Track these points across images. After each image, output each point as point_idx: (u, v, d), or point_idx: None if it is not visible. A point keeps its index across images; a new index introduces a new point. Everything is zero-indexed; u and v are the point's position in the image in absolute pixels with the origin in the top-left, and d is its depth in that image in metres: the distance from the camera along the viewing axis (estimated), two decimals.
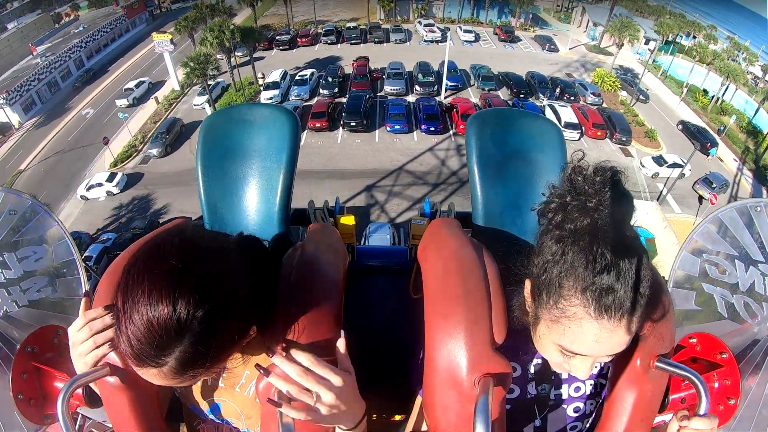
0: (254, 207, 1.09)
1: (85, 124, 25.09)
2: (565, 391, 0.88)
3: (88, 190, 19.11)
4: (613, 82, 27.65)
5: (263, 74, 27.35)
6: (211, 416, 0.89)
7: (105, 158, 21.46)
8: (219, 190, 1.09)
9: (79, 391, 0.89)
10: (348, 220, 1.65)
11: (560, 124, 22.26)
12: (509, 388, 0.84)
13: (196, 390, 0.89)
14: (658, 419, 0.96)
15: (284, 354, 0.69)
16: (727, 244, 1.12)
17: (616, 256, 0.61)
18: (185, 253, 0.59)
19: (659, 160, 20.66)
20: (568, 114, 23.14)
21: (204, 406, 0.89)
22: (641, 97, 26.55)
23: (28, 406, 0.93)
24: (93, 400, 0.90)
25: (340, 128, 22.68)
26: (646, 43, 31.88)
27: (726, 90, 26.99)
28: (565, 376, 0.87)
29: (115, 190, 19.12)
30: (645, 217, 15.36)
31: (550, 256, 0.66)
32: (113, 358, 0.75)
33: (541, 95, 25.94)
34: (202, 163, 1.09)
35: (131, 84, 28.09)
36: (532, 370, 0.86)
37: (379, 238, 13.38)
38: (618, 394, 0.82)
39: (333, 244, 0.94)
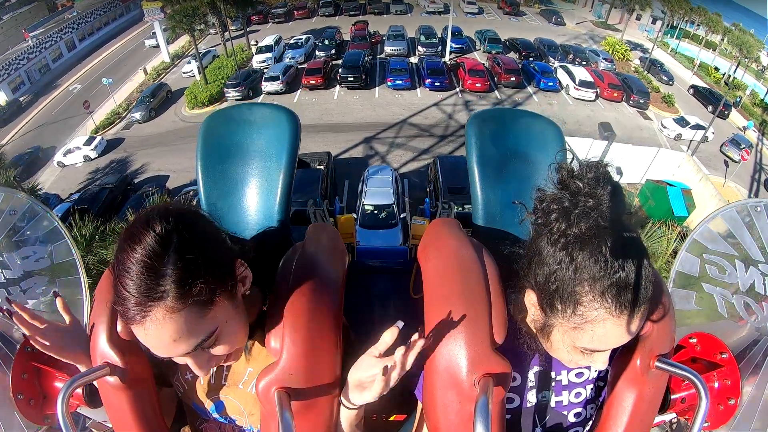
0: (254, 207, 1.09)
1: (71, 99, 24.39)
2: (566, 397, 0.87)
3: (65, 155, 18.26)
4: (625, 51, 26.97)
5: (256, 41, 26.99)
6: (215, 414, 0.89)
7: (87, 127, 20.73)
8: (219, 191, 1.09)
9: (79, 391, 0.89)
10: (348, 220, 1.66)
11: (575, 82, 21.56)
12: (509, 398, 0.83)
13: (200, 388, 0.89)
14: (658, 419, 0.96)
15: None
16: (727, 244, 1.12)
17: (624, 251, 0.62)
18: (148, 211, 0.65)
19: (681, 122, 20.17)
20: (582, 73, 22.30)
21: (207, 404, 0.89)
22: (664, 77, 25.61)
23: (28, 406, 0.93)
24: (93, 400, 0.90)
25: (337, 86, 21.63)
26: (653, 22, 31.57)
27: (736, 69, 26.86)
28: (565, 382, 0.87)
29: (93, 154, 18.22)
30: (677, 170, 15.09)
31: (557, 265, 0.65)
32: (113, 358, 0.75)
33: (551, 59, 24.99)
34: (202, 163, 1.09)
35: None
36: (531, 378, 0.85)
37: (380, 181, 12.54)
38: (618, 394, 0.81)
39: (333, 244, 0.94)
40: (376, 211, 11.72)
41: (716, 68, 27.84)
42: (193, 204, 0.76)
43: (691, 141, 18.55)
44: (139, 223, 0.62)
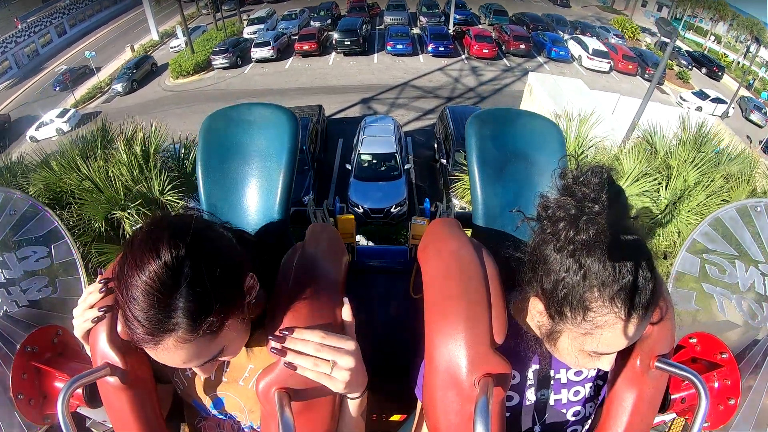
0: (254, 207, 1.09)
1: (56, 79, 23.69)
2: (565, 395, 0.87)
3: (37, 129, 17.84)
4: (635, 29, 26.59)
5: (248, 15, 26.69)
6: (214, 411, 0.89)
7: (68, 103, 20.18)
8: (219, 191, 1.09)
9: (79, 391, 0.89)
10: (348, 220, 1.66)
11: (588, 52, 20.96)
12: (508, 396, 0.83)
13: (199, 385, 0.89)
14: (658, 419, 0.96)
15: (292, 335, 0.70)
16: (727, 244, 1.12)
17: (630, 254, 0.63)
18: (155, 221, 0.62)
19: (701, 95, 19.87)
20: (595, 42, 21.61)
21: (207, 401, 0.89)
22: (683, 62, 24.92)
23: (28, 406, 0.93)
24: (93, 400, 0.90)
25: (333, 53, 20.67)
26: (659, 9, 31.47)
27: (746, 53, 26.90)
28: (564, 380, 0.87)
29: (66, 127, 17.45)
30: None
31: (565, 272, 0.65)
32: (113, 358, 0.75)
33: (561, 32, 24.28)
34: (203, 163, 1.09)
35: None
36: (530, 376, 0.85)
37: (380, 129, 11.16)
38: (618, 394, 0.81)
39: (333, 245, 0.95)
40: (375, 161, 10.23)
41: (725, 54, 27.92)
42: (199, 212, 0.73)
43: (712, 115, 18.28)
44: (146, 245, 0.58)
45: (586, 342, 0.68)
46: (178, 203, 4.09)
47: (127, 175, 4.11)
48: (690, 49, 25.95)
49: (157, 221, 0.62)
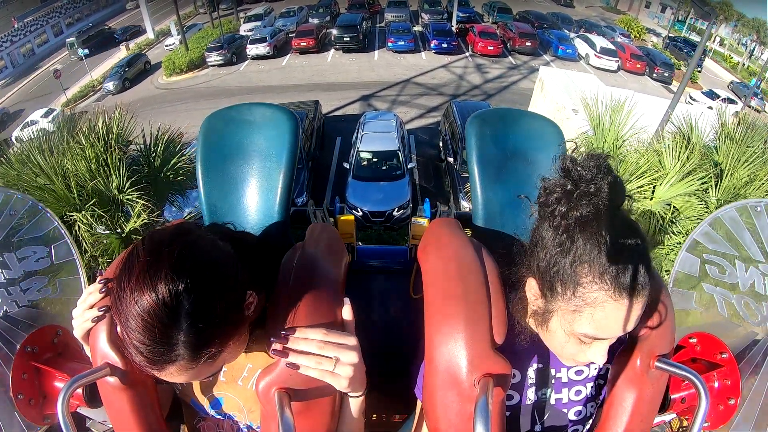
0: (254, 207, 1.09)
1: (50, 78, 23.05)
2: (566, 395, 0.87)
3: (22, 130, 17.12)
4: (641, 29, 26.37)
5: (245, 14, 26.72)
6: (212, 411, 0.89)
7: (60, 102, 19.94)
8: (219, 191, 1.09)
9: (79, 391, 0.89)
10: (348, 220, 1.65)
11: (595, 50, 20.64)
12: (508, 395, 0.83)
13: (197, 385, 0.89)
14: (658, 419, 0.96)
15: (294, 335, 0.70)
16: (727, 244, 1.12)
17: (623, 235, 0.64)
18: (153, 246, 0.61)
19: (711, 95, 19.51)
20: (602, 41, 21.23)
21: (205, 401, 0.89)
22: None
23: (28, 406, 0.93)
24: (93, 400, 0.90)
25: (331, 50, 20.29)
26: (663, 11, 31.41)
27: (752, 54, 26.83)
28: (565, 380, 0.87)
29: (51, 127, 17.14)
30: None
31: (558, 248, 0.66)
32: (113, 358, 0.75)
33: (567, 31, 23.97)
34: (203, 163, 1.09)
35: None
36: (531, 375, 0.85)
37: (381, 125, 10.63)
38: (618, 394, 0.81)
39: (333, 245, 0.95)
40: (375, 159, 9.58)
41: (731, 56, 27.89)
42: (198, 225, 0.72)
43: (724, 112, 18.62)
44: (143, 279, 0.57)
45: (576, 320, 0.68)
46: (138, 203, 3.66)
47: (83, 168, 3.63)
48: (672, 35, 25.83)
49: (156, 247, 0.61)
